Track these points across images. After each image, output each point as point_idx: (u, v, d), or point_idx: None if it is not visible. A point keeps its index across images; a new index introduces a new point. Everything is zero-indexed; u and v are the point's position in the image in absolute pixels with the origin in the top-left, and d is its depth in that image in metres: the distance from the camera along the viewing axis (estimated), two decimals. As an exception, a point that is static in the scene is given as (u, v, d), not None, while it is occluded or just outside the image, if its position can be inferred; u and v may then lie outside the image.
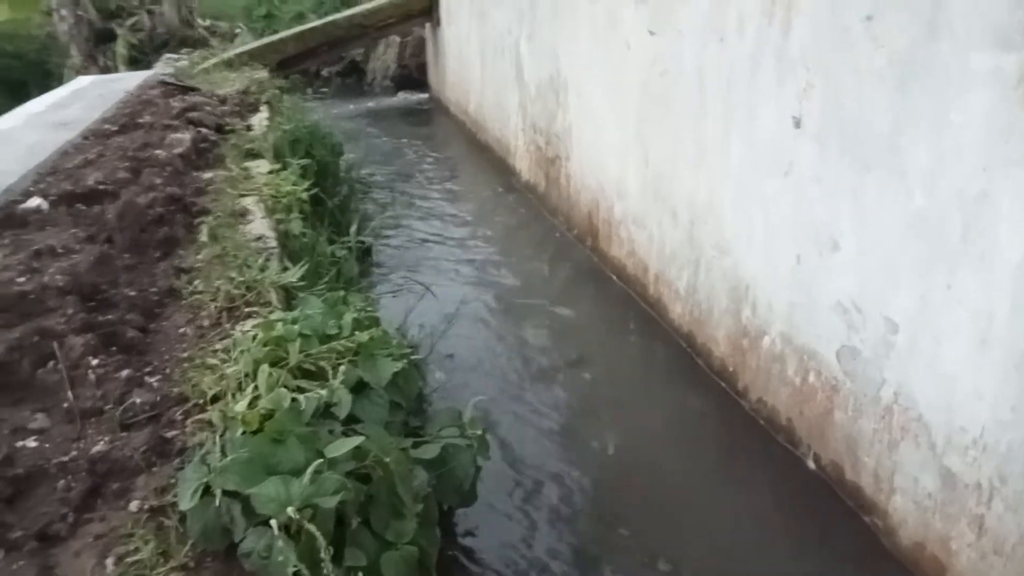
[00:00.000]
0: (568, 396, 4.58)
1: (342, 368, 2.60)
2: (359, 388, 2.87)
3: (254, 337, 2.89)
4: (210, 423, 2.52)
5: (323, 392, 2.48)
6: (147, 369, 2.93)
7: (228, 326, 3.35)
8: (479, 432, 3.24)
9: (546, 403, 4.51)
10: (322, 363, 2.70)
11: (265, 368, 2.51)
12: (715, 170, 4.34)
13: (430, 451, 2.97)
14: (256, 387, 2.49)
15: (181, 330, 3.40)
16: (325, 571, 1.96)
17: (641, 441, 4.07)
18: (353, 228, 5.24)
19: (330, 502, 2.12)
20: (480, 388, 4.50)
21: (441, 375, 4.66)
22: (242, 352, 2.82)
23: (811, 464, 3.68)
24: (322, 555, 1.96)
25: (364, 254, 6.41)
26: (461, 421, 3.26)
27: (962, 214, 2.70)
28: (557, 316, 5.57)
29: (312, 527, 1.99)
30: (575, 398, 4.57)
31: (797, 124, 3.53)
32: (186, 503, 2.12)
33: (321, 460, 2.14)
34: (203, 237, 4.16)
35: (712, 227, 4.42)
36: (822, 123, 3.38)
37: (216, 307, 3.47)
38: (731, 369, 4.33)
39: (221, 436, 2.35)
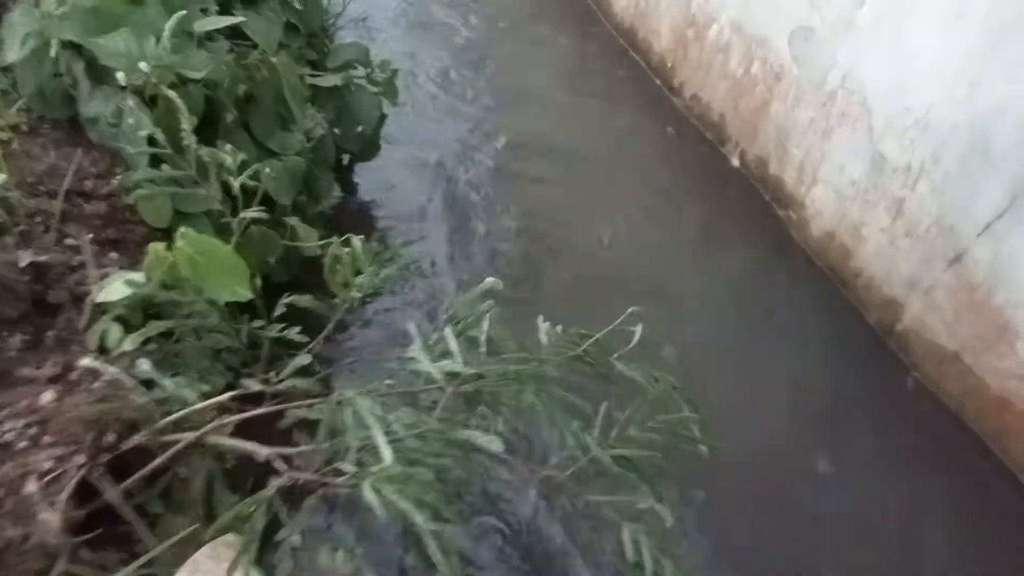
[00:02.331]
0: (488, 82, 4.19)
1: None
2: (249, 1, 2.42)
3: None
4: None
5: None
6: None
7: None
8: (387, 75, 2.89)
9: (465, 80, 4.14)
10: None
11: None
12: None
13: (329, 80, 2.61)
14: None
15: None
16: (186, 142, 1.66)
17: (562, 132, 3.81)
18: None
19: (197, 74, 1.78)
20: (399, 53, 4.05)
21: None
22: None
23: (735, 161, 3.54)
24: (183, 124, 1.65)
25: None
26: (368, 60, 2.88)
27: None
28: (487, 4, 5.01)
29: (170, 92, 1.65)
30: (496, 84, 4.19)
31: None
32: (15, 53, 1.73)
33: (181, 18, 1.75)
34: None
35: None
36: None
37: None
38: (669, 65, 4.02)
39: (61, -9, 1.90)
